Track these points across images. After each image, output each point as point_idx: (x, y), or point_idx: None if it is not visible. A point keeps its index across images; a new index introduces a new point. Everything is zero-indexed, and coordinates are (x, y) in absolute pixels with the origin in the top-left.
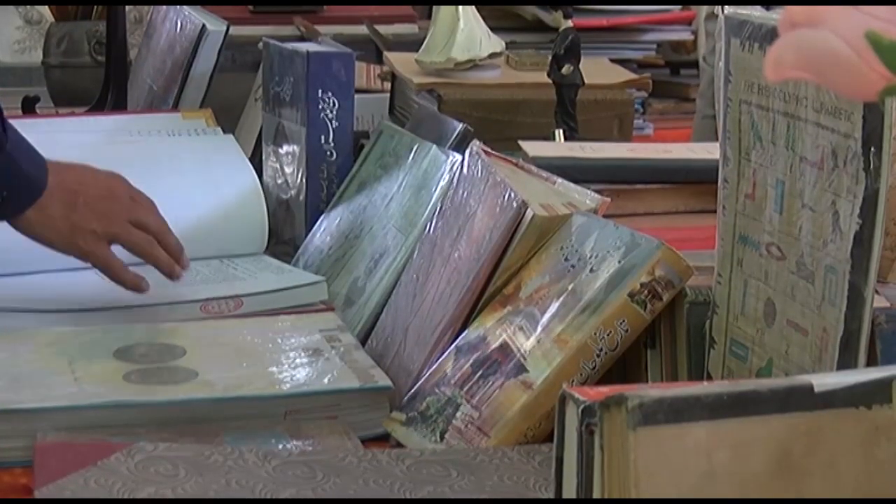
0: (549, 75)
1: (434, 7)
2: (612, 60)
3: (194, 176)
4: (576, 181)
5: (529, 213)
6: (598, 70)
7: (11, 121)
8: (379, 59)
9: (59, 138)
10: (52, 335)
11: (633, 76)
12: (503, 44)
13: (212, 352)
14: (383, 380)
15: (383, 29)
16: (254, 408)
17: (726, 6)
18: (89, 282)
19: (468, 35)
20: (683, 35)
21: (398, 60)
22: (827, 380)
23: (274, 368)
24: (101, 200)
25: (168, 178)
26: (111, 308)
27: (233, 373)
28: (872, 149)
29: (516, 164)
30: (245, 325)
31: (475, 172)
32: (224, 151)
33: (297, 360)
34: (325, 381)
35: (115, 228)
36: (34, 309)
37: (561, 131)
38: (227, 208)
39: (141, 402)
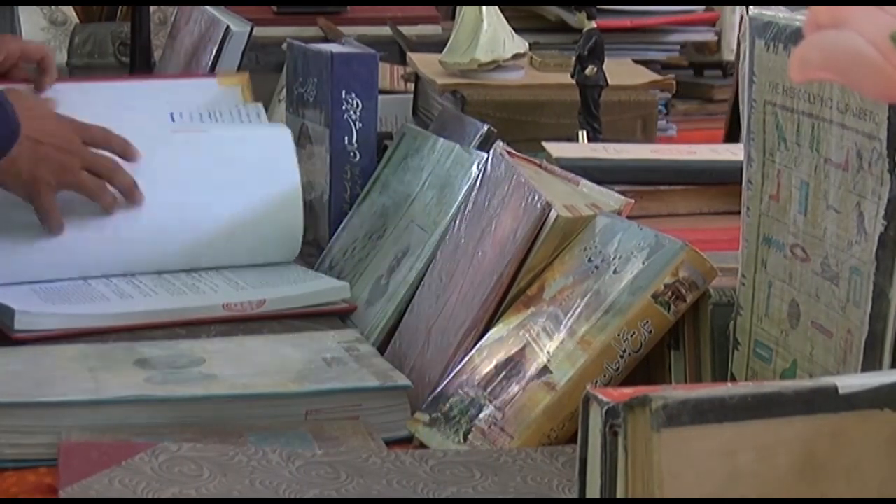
0: (572, 76)
1: (458, 8)
2: (636, 61)
3: (240, 178)
4: (599, 182)
5: (553, 215)
6: (621, 71)
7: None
8: (402, 60)
9: (99, 112)
10: (74, 350)
11: (656, 77)
12: (527, 45)
13: (231, 360)
14: (402, 380)
15: (407, 30)
16: (273, 406)
17: (751, 7)
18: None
19: (492, 36)
20: (707, 36)
21: (422, 61)
22: (851, 381)
23: (293, 373)
24: (60, 152)
25: (214, 176)
26: (135, 311)
27: (252, 375)
28: None
29: (540, 165)
30: (265, 342)
31: (499, 173)
32: (276, 153)
33: (317, 365)
34: (345, 380)
35: (68, 178)
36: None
37: (584, 132)
38: (265, 215)
39: (162, 396)
